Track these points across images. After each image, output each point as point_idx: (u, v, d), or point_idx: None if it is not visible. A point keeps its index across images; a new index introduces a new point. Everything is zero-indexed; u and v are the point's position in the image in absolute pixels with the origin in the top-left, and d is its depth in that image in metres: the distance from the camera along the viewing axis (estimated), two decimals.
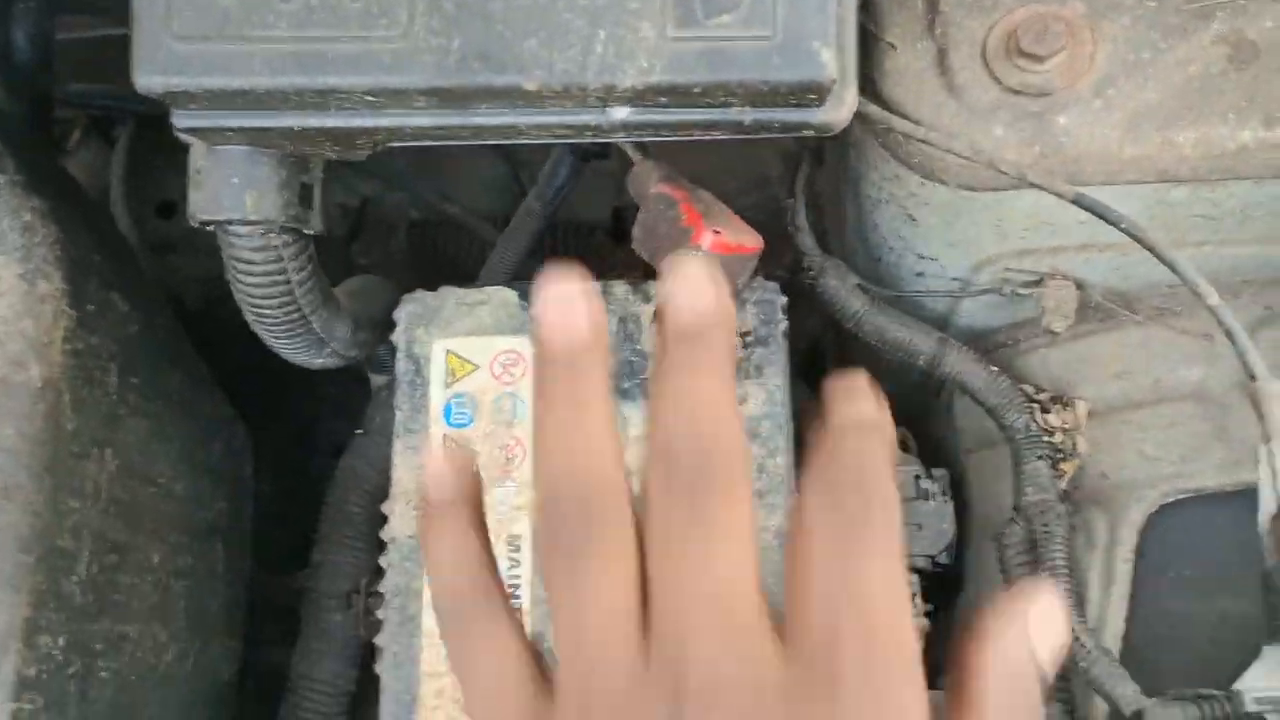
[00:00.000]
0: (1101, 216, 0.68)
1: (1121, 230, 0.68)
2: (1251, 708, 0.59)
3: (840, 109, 0.65)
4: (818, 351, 1.19)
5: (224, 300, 0.99)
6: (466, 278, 1.07)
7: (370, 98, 0.61)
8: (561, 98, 0.61)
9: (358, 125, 0.63)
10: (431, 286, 0.85)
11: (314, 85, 0.60)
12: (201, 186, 0.69)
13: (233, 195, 0.68)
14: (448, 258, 1.45)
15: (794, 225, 0.90)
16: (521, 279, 1.07)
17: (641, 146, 0.84)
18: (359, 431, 1.10)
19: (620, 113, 0.63)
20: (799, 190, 0.90)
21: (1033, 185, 0.71)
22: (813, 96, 0.63)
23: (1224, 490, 0.81)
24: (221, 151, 0.68)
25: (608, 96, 0.62)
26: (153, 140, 1.29)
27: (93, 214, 0.87)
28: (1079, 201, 0.69)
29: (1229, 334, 0.64)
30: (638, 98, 0.62)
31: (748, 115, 0.64)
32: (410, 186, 1.46)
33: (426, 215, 1.45)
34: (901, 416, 1.09)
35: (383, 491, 1.07)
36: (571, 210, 1.16)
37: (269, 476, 1.34)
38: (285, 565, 1.24)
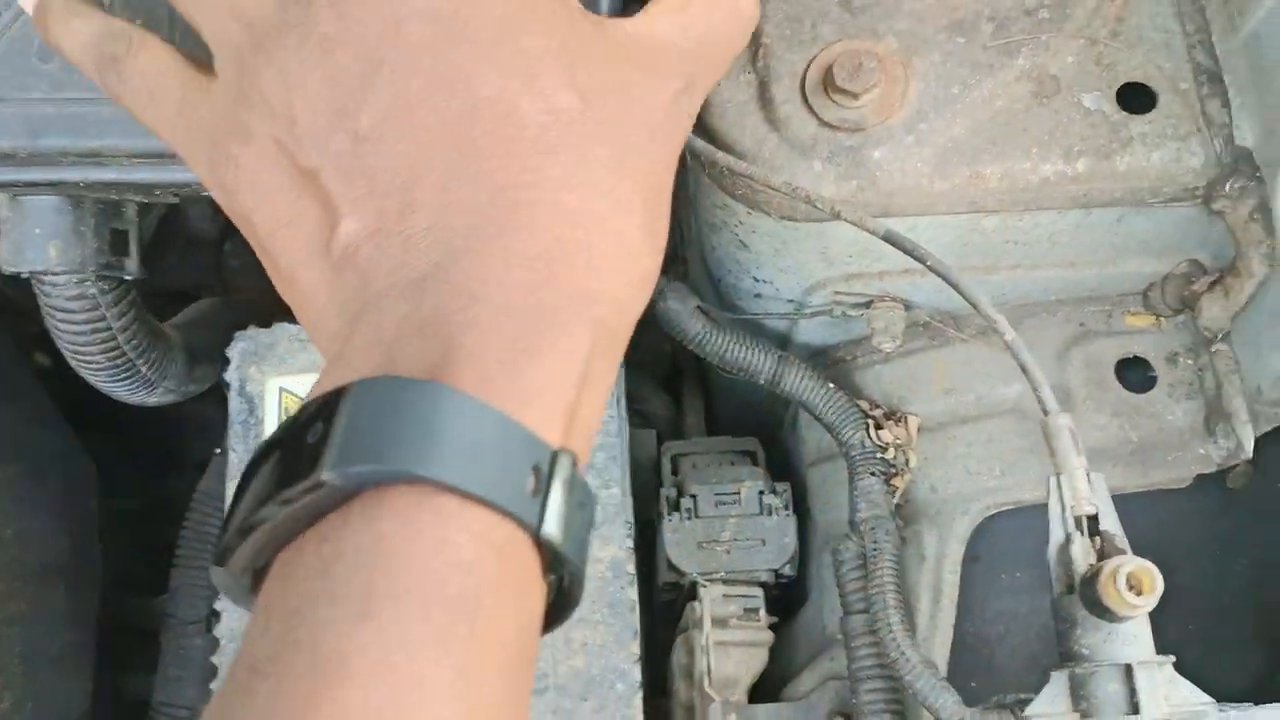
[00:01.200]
0: (909, 253, 0.70)
1: (927, 267, 0.70)
2: None
3: None
4: (676, 365, 1.21)
5: None
6: None
7: (138, 159, 0.60)
8: None
9: (145, 180, 0.62)
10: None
11: (77, 148, 0.59)
12: (5, 236, 0.68)
13: (36, 246, 0.67)
14: None
15: None
16: None
17: None
18: (217, 451, 1.09)
19: None
20: None
21: (846, 220, 0.73)
22: None
23: (1040, 502, 0.84)
24: (26, 202, 0.67)
25: None
26: None
27: None
28: (888, 238, 0.71)
29: (1023, 369, 0.67)
30: None
31: None
32: None
33: None
34: (754, 430, 1.13)
35: None
36: None
37: (135, 496, 1.32)
38: (154, 586, 1.23)
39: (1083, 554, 0.62)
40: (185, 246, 1.39)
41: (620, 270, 0.43)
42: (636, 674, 0.76)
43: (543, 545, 0.40)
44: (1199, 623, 1.01)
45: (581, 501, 0.41)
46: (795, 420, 1.02)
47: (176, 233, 1.36)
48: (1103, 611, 0.60)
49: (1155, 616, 0.97)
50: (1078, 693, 0.62)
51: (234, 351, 0.81)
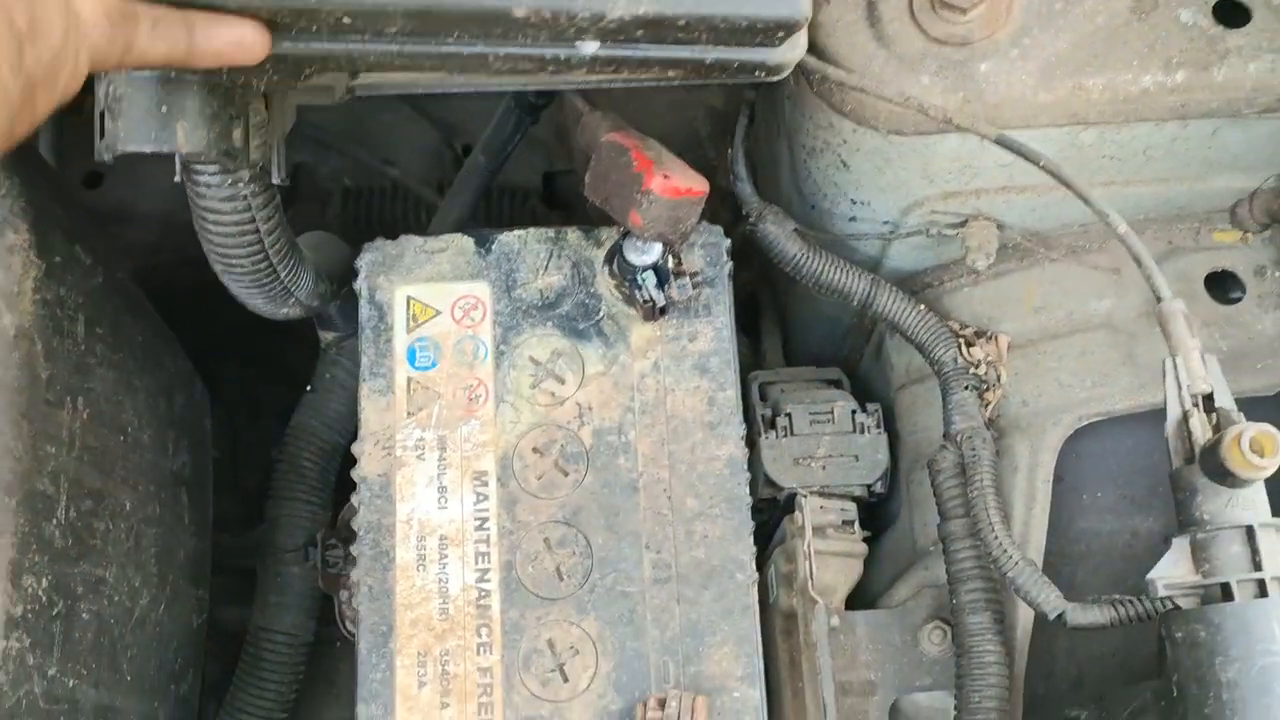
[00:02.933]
0: (1021, 154, 0.74)
1: (1040, 167, 0.74)
2: (1161, 593, 0.66)
3: (795, 49, 0.70)
4: (755, 303, 1.24)
5: (156, 270, 1.00)
6: None
7: (347, 19, 0.59)
8: (544, 26, 0.62)
9: (317, 50, 0.61)
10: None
11: (288, 3, 0.57)
12: (120, 115, 0.64)
13: (160, 124, 0.64)
14: (383, 223, 1.47)
15: (734, 174, 0.94)
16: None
17: (588, 99, 0.88)
18: (309, 389, 1.12)
19: (589, 47, 0.66)
20: (739, 141, 0.94)
21: (958, 128, 0.77)
22: (782, 34, 0.67)
23: (1133, 412, 0.88)
24: (137, 79, 0.63)
25: (591, 27, 0.63)
26: (74, 111, 1.29)
27: (47, 170, 0.88)
28: (1001, 141, 0.75)
29: (1136, 259, 0.70)
30: (622, 29, 0.64)
31: (710, 54, 0.68)
32: (344, 152, 1.48)
33: (359, 181, 1.48)
34: (836, 358, 1.16)
35: (334, 447, 1.11)
36: (505, 175, 1.20)
37: (217, 441, 1.36)
38: (235, 528, 1.26)
39: (1201, 427, 0.66)
40: None
41: None
42: (752, 566, 0.79)
43: None
44: None
45: None
46: (880, 348, 1.06)
47: None
48: (1225, 477, 0.63)
49: None
50: (1199, 555, 0.65)
51: (363, 262, 0.85)
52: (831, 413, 0.97)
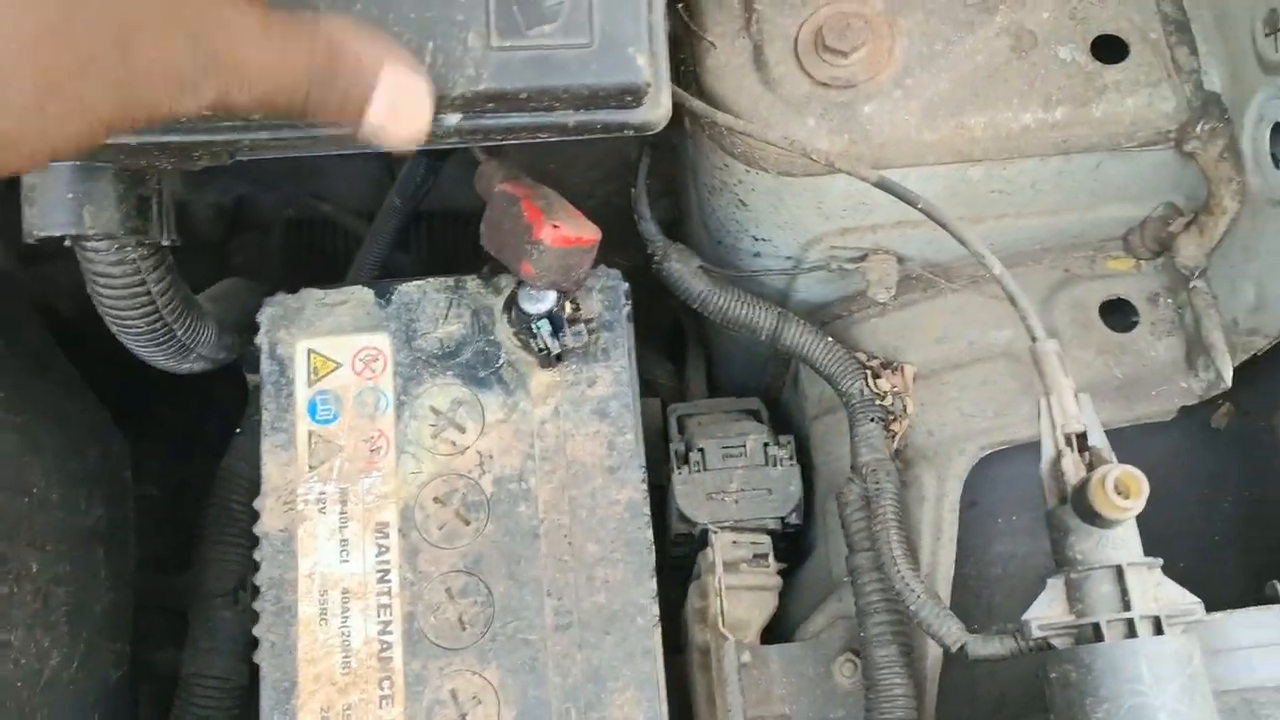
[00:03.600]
0: (900, 196, 0.75)
1: (919, 210, 0.74)
2: (1036, 634, 0.67)
3: (656, 110, 0.71)
4: (678, 333, 1.25)
5: (89, 310, 1.00)
6: (342, 273, 1.10)
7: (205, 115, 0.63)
8: None
9: (194, 140, 0.66)
10: (307, 282, 0.88)
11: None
12: (35, 203, 0.70)
13: (69, 210, 0.70)
14: (323, 254, 1.48)
15: (638, 214, 0.95)
16: (390, 271, 1.12)
17: (486, 149, 0.89)
18: (238, 431, 1.13)
19: (451, 119, 0.68)
20: (640, 181, 0.95)
21: (841, 170, 0.78)
22: (630, 98, 0.69)
23: (1034, 440, 0.88)
24: (53, 168, 0.69)
25: (439, 105, 0.67)
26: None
27: None
28: (881, 184, 0.76)
29: (1011, 299, 0.71)
30: (467, 105, 0.67)
31: (571, 118, 0.69)
32: (283, 186, 1.48)
33: (301, 213, 1.48)
34: (759, 387, 1.17)
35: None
36: (447, 200, 1.20)
37: (155, 480, 1.36)
38: (174, 567, 1.26)
39: (1073, 467, 0.67)
40: (188, 248, 1.44)
41: None
42: (654, 609, 0.80)
43: None
44: (1188, 560, 1.05)
45: None
46: (796, 378, 1.07)
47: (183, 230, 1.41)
48: (1094, 517, 0.64)
49: (1147, 552, 1.02)
50: (1073, 595, 0.66)
51: (263, 316, 0.85)
52: (744, 446, 0.98)
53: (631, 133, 0.71)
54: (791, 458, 0.97)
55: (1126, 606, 0.64)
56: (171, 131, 0.66)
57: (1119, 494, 0.63)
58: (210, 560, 1.09)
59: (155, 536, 1.25)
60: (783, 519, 0.96)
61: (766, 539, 0.96)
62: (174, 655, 1.17)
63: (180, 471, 1.40)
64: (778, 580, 0.95)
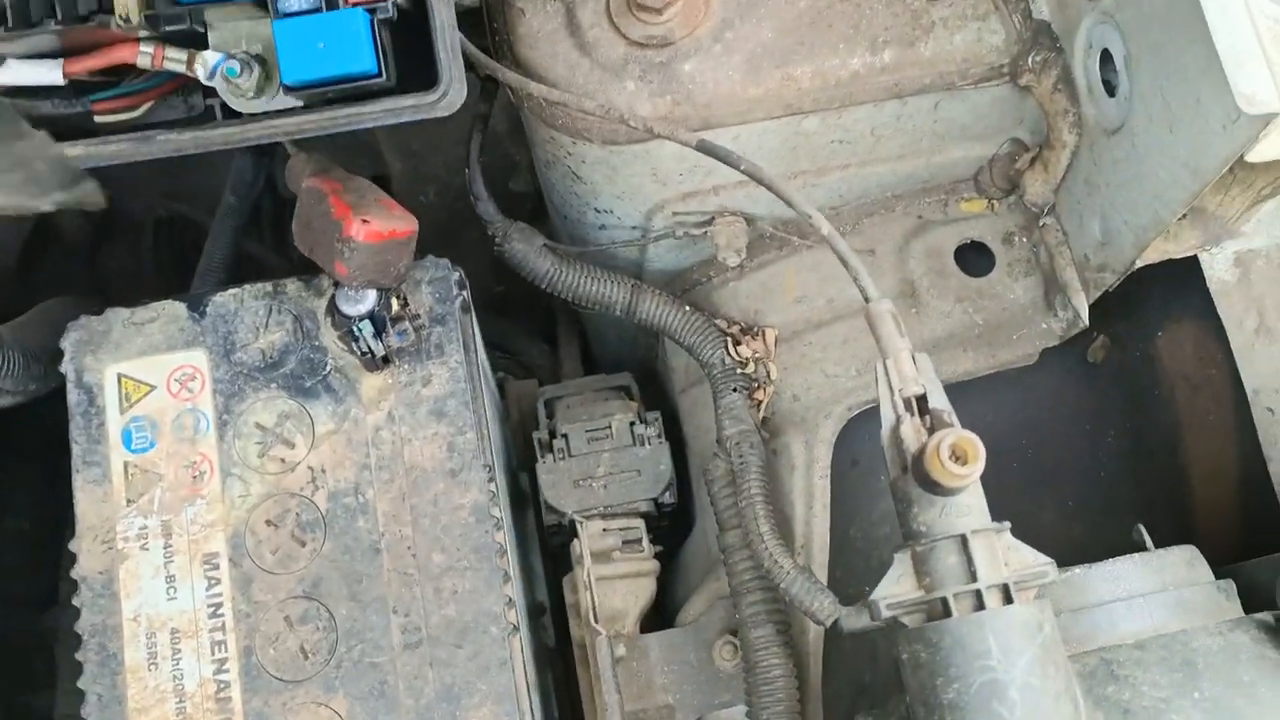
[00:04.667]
0: (722, 159, 0.70)
1: (741, 171, 0.70)
2: (885, 614, 0.63)
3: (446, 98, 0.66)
4: (551, 313, 1.20)
5: None
6: None
7: None
8: None
9: None
10: (184, 285, 0.81)
11: None
12: None
13: None
14: (198, 251, 1.42)
15: (473, 195, 0.90)
16: (241, 266, 1.06)
17: (297, 141, 0.83)
18: None
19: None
20: (473, 159, 0.90)
21: (659, 136, 0.73)
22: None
23: None
24: None
25: None
26: None
27: None
28: (701, 148, 0.71)
29: (842, 259, 0.67)
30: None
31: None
32: (151, 187, 1.41)
33: (172, 214, 1.42)
34: (633, 361, 1.12)
35: None
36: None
37: (24, 512, 1.29)
38: (51, 603, 1.21)
39: (913, 433, 0.63)
40: (59, 254, 1.37)
41: None
42: (510, 616, 0.76)
43: None
44: (1077, 496, 1.03)
45: None
46: (663, 349, 1.02)
47: (49, 240, 1.34)
48: (934, 486, 0.61)
49: (1035, 494, 0.99)
50: (920, 569, 0.63)
51: (67, 342, 0.79)
52: (610, 428, 0.93)
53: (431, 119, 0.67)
54: (660, 435, 0.93)
55: (973, 577, 0.61)
56: None
57: (956, 461, 0.59)
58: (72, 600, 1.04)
59: (27, 572, 1.19)
60: (655, 500, 0.92)
61: (639, 523, 0.92)
62: (51, 697, 1.12)
63: (53, 502, 1.34)
64: (654, 565, 0.92)
